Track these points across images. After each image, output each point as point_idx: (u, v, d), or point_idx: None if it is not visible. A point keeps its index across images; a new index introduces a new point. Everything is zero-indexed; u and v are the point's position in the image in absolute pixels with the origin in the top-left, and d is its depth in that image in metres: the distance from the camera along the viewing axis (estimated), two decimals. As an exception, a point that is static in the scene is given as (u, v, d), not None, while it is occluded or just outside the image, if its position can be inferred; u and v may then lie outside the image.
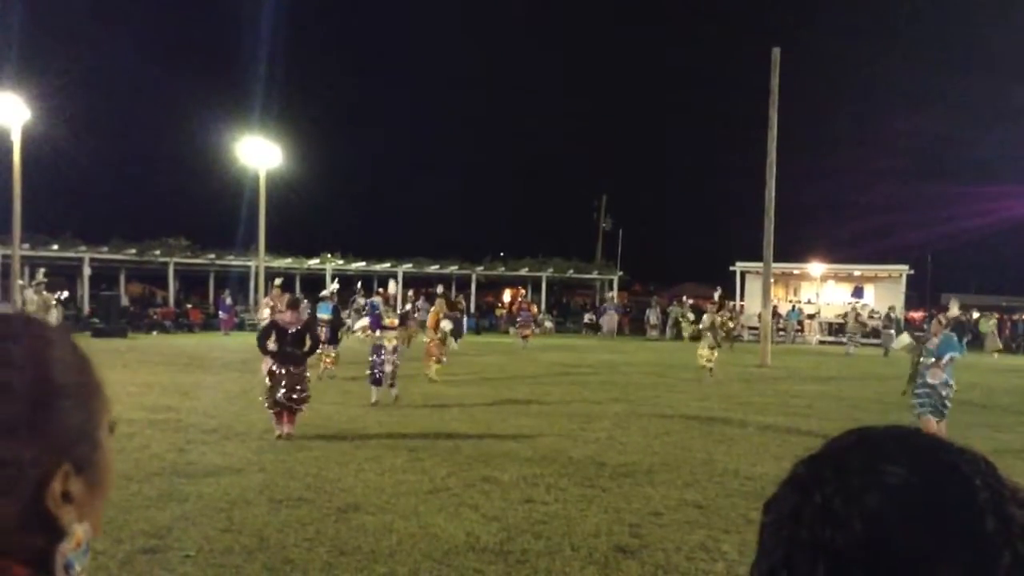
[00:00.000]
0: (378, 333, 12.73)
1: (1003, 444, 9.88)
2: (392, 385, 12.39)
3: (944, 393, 9.42)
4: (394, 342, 12.66)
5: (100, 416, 0.76)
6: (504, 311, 40.31)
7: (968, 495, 0.60)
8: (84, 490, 0.71)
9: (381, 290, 15.86)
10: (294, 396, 9.35)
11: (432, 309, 17.12)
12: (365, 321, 14.03)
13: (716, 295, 22.06)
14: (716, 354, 17.22)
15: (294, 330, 9.67)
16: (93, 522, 0.73)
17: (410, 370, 16.23)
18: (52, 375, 0.72)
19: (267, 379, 9.58)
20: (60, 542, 0.69)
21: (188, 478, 7.14)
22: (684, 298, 37.66)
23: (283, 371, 9.44)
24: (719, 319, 18.40)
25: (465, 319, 27.63)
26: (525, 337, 27.02)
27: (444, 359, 15.97)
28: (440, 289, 20.55)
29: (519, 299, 33.17)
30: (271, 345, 9.62)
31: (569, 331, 38.41)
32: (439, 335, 15.90)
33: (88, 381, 0.76)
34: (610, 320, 36.97)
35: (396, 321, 13.00)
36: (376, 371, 12.30)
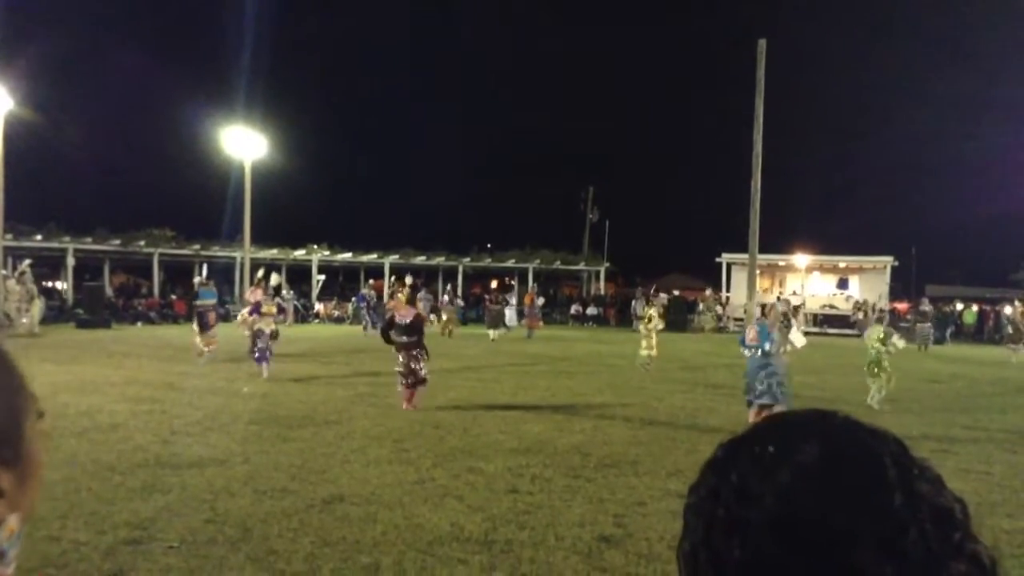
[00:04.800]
0: (256, 317, 14.52)
1: (984, 434, 9.97)
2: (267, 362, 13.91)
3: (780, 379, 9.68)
4: (272, 326, 14.37)
5: (25, 412, 0.77)
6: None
7: (877, 472, 0.62)
8: (14, 484, 0.74)
9: (372, 281, 16.83)
10: (409, 378, 10.85)
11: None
12: (246, 311, 15.75)
13: (652, 289, 23.88)
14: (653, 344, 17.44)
15: (406, 322, 11.08)
16: (24, 511, 0.75)
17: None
18: None
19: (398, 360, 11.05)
20: None
21: (172, 469, 7.13)
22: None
23: (400, 356, 10.95)
24: (658, 311, 18.70)
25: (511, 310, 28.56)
26: (532, 327, 28.27)
27: None
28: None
29: (528, 293, 33.25)
30: (393, 335, 11.08)
31: (556, 322, 38.44)
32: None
33: (7, 381, 0.76)
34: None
35: (274, 309, 14.88)
36: (257, 351, 14.07)
